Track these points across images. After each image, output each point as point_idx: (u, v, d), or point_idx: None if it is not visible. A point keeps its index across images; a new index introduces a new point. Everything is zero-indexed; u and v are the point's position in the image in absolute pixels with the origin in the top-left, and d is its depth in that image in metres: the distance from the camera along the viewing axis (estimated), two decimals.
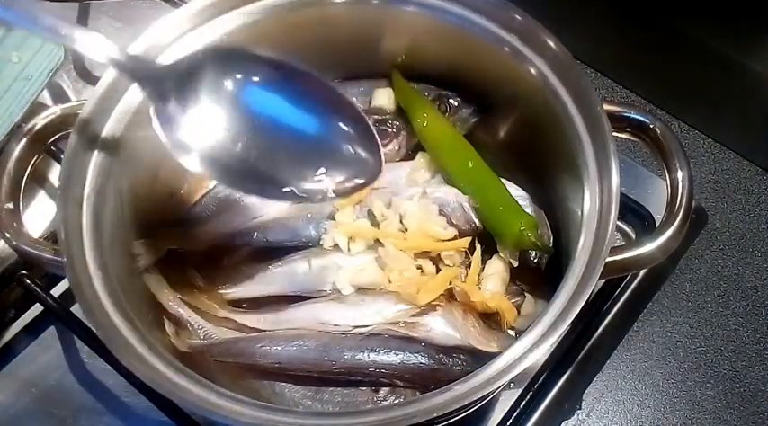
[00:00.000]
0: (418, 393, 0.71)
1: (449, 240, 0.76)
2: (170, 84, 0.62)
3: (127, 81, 0.69)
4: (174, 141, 0.62)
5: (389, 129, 0.83)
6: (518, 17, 0.75)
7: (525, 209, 0.76)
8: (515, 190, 0.79)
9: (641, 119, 0.72)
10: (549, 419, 0.82)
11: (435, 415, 0.58)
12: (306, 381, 0.75)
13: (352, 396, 0.75)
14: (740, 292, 0.92)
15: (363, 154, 0.66)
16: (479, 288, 0.74)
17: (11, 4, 0.59)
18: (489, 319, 0.74)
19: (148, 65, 0.65)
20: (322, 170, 0.64)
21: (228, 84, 0.63)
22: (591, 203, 0.68)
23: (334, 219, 0.78)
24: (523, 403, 0.81)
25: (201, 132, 0.63)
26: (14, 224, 0.69)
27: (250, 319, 0.77)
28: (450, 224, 0.77)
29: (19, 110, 0.85)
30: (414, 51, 0.84)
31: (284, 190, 0.63)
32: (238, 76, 0.63)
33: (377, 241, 0.76)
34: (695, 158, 1.00)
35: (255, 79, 0.64)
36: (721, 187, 0.98)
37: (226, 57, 0.64)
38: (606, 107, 0.70)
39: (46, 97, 0.95)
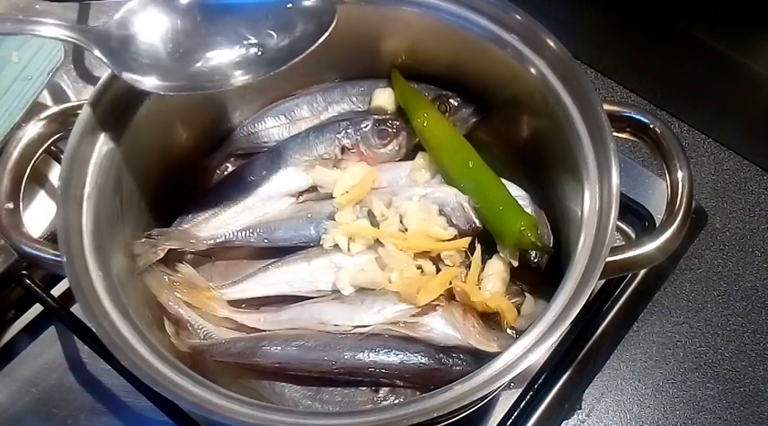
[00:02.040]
0: (418, 393, 0.71)
1: (449, 240, 0.76)
2: (115, 39, 0.68)
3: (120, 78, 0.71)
4: (140, 80, 0.68)
5: (389, 129, 0.83)
6: (518, 17, 0.75)
7: (525, 209, 0.76)
8: (515, 190, 0.79)
9: (641, 119, 0.72)
10: (549, 419, 0.82)
11: (435, 415, 0.58)
12: (306, 381, 0.75)
13: (352, 396, 0.75)
14: (740, 292, 0.92)
15: (311, 2, 0.70)
16: (479, 288, 0.74)
17: None
18: (489, 319, 0.74)
19: (94, 30, 0.68)
20: (273, 34, 0.69)
21: (159, 13, 0.69)
22: (591, 203, 0.68)
23: (334, 219, 0.78)
24: (523, 403, 0.81)
25: (154, 58, 0.68)
26: (14, 224, 0.69)
27: (250, 319, 0.77)
28: (451, 224, 0.77)
29: (19, 111, 0.85)
30: (414, 51, 0.84)
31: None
32: (164, 4, 0.70)
33: (377, 241, 0.76)
34: (695, 158, 1.00)
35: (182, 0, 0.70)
36: (721, 187, 0.98)
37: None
38: (606, 107, 0.70)
39: (46, 97, 0.95)
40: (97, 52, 0.67)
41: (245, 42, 0.70)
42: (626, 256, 0.67)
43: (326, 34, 0.70)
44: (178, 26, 0.69)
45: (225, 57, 0.70)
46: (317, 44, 0.69)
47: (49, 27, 0.66)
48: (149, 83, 0.68)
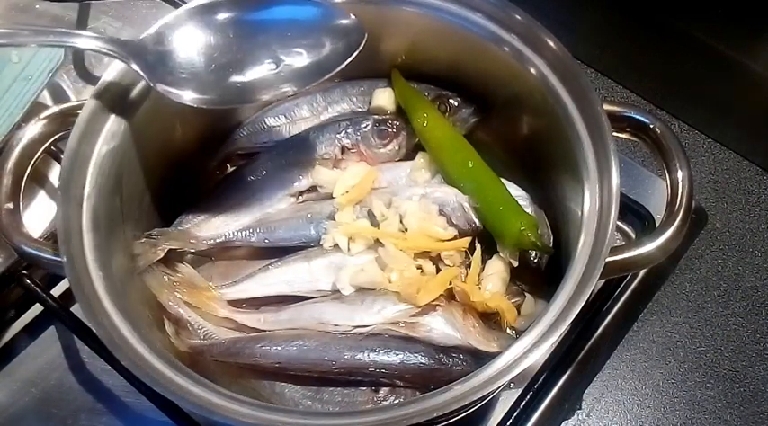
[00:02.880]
0: (418, 393, 0.71)
1: (449, 240, 0.76)
2: (150, 53, 0.70)
3: (125, 80, 0.72)
4: (175, 92, 0.69)
5: (389, 129, 0.83)
6: (518, 17, 0.75)
7: (525, 209, 0.76)
8: (515, 190, 0.79)
9: (641, 119, 0.72)
10: (549, 419, 0.82)
11: (435, 415, 0.58)
12: (306, 381, 0.75)
13: (352, 396, 0.75)
14: (740, 292, 0.92)
15: (340, 22, 0.73)
16: (479, 288, 0.74)
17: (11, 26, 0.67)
18: (489, 319, 0.74)
19: (131, 44, 0.70)
20: (300, 50, 0.72)
21: (194, 29, 0.72)
22: (591, 203, 0.68)
23: (334, 219, 0.78)
24: (523, 403, 0.81)
25: (189, 72, 0.70)
26: (14, 224, 0.69)
27: (250, 319, 0.77)
28: (450, 224, 0.77)
29: (19, 111, 0.85)
30: (414, 51, 0.84)
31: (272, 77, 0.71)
32: (199, 21, 0.72)
33: (377, 241, 0.76)
34: (695, 158, 1.00)
35: (217, 17, 0.72)
36: (721, 187, 0.98)
37: (188, 16, 0.72)
38: (606, 107, 0.70)
39: (46, 97, 0.95)
40: (134, 65, 0.69)
41: (275, 59, 0.72)
42: (626, 256, 0.68)
43: (356, 53, 0.72)
44: (212, 42, 0.71)
45: (256, 73, 0.72)
46: (346, 63, 0.72)
47: (88, 40, 0.68)
48: (186, 96, 0.69)
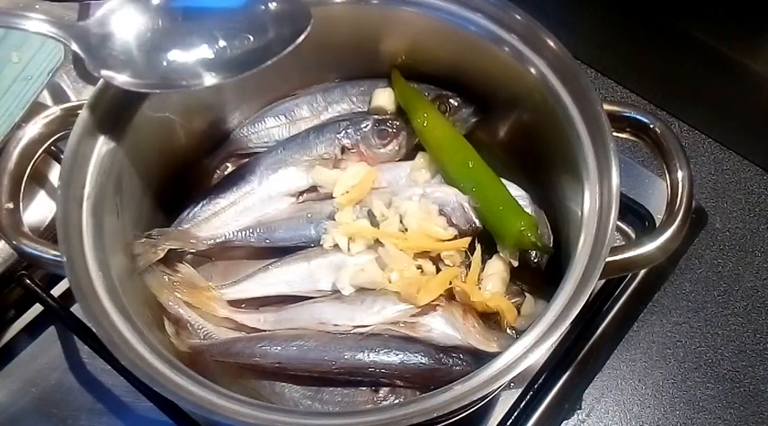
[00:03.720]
0: (418, 393, 0.71)
1: (449, 240, 0.76)
2: (93, 36, 0.69)
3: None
4: (113, 76, 0.68)
5: (389, 129, 0.83)
6: (518, 17, 0.75)
7: (525, 209, 0.76)
8: (515, 190, 0.79)
9: (641, 119, 0.72)
10: (549, 419, 0.82)
11: (435, 415, 0.58)
12: (306, 381, 0.75)
13: (352, 396, 0.75)
14: (740, 292, 0.92)
15: (286, 7, 0.71)
16: (479, 288, 0.74)
17: None
18: (489, 319, 0.74)
19: (74, 27, 0.69)
20: (248, 37, 0.70)
21: (137, 12, 0.70)
22: (591, 203, 0.68)
23: (334, 219, 0.78)
24: (523, 403, 0.81)
25: (128, 55, 0.69)
26: (14, 224, 0.69)
27: (250, 319, 0.77)
28: (451, 224, 0.77)
29: (19, 111, 0.85)
30: (414, 51, 0.84)
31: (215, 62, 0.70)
32: (143, 4, 0.71)
33: (377, 241, 0.76)
34: (695, 158, 1.00)
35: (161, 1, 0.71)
36: (721, 187, 0.98)
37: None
38: (606, 107, 0.70)
39: (46, 97, 0.95)
40: (75, 47, 0.68)
41: (219, 44, 0.71)
42: (626, 256, 0.68)
43: (301, 38, 0.70)
44: (155, 26, 0.70)
45: (199, 58, 0.70)
46: (290, 48, 0.70)
47: (32, 21, 0.67)
48: (122, 79, 0.68)
